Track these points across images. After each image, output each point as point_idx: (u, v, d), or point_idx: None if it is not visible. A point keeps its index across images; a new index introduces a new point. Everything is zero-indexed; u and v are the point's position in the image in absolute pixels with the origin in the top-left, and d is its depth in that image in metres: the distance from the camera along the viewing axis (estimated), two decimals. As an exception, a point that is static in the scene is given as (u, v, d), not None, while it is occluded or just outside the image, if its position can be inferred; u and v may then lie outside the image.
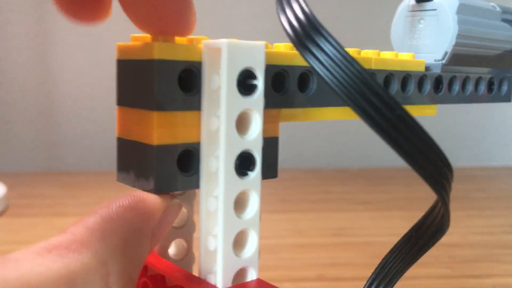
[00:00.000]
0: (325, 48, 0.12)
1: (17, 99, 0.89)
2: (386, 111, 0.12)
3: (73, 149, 0.90)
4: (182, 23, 0.16)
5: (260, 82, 0.16)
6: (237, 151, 0.16)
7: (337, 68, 0.12)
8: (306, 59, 0.13)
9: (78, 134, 0.90)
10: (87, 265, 0.12)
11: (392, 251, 0.18)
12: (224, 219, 0.16)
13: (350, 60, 0.12)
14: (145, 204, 0.15)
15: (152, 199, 0.16)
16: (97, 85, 0.86)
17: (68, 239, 0.13)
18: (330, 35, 0.12)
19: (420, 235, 0.17)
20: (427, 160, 0.13)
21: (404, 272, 0.18)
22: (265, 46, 0.16)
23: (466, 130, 1.03)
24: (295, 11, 0.13)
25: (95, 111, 0.87)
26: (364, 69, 0.12)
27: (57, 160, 0.90)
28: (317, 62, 0.12)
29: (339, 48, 0.12)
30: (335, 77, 0.12)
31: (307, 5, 0.13)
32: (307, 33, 0.13)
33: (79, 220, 0.14)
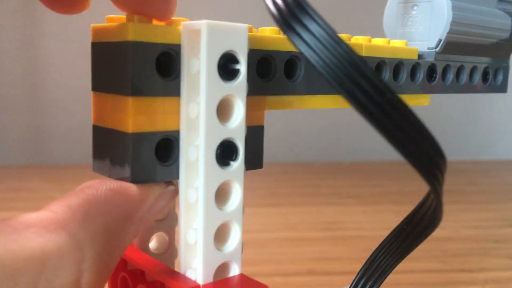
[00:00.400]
0: (311, 28, 0.12)
1: (5, 91, 0.87)
2: (376, 95, 0.11)
3: (62, 141, 0.89)
4: (163, 3, 0.15)
5: (242, 67, 0.15)
6: (218, 140, 0.15)
7: (323, 49, 0.11)
8: (290, 40, 0.12)
9: (67, 127, 0.88)
10: (62, 248, 0.12)
11: (382, 245, 0.17)
12: (205, 211, 0.15)
13: (338, 41, 0.11)
14: (136, 190, 0.15)
15: (145, 185, 0.15)
16: (85, 77, 0.84)
17: (48, 217, 0.12)
18: (317, 14, 0.11)
19: (411, 228, 0.16)
20: (419, 148, 0.12)
21: (394, 267, 0.18)
22: (248, 29, 0.15)
23: (458, 123, 1.03)
24: (279, -12, 0.12)
25: (83, 103, 0.86)
26: (353, 50, 0.11)
27: (45, 153, 0.89)
28: (302, 43, 0.12)
29: (326, 27, 0.11)
30: (321, 58, 0.11)
31: (291, -19, 0.12)
32: (292, 12, 0.12)
33: (63, 197, 0.13)
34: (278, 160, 0.90)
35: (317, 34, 0.11)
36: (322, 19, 0.12)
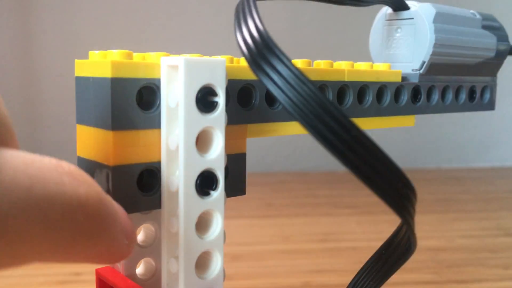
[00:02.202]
0: (278, 67, 0.12)
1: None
2: (341, 132, 0.12)
3: (56, 154, 0.89)
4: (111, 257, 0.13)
5: (221, 99, 0.15)
6: (198, 171, 0.15)
7: (290, 88, 0.12)
8: (259, 79, 0.12)
9: (62, 139, 0.89)
10: None
11: (362, 269, 0.18)
12: (185, 241, 0.15)
13: (303, 80, 0.12)
14: None
15: None
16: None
17: None
18: (283, 54, 0.12)
19: (389, 254, 0.17)
20: (386, 181, 0.12)
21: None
22: (228, 61, 0.16)
23: (451, 131, 1.03)
24: (250, 29, 0.13)
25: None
26: (317, 89, 0.12)
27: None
28: (270, 82, 0.12)
29: (292, 67, 0.12)
30: (288, 96, 0.12)
31: (262, 23, 0.12)
32: (261, 52, 0.12)
33: None
34: (273, 170, 0.90)
35: (284, 74, 0.12)
36: (289, 60, 0.12)
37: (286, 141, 0.94)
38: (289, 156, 0.95)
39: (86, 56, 0.17)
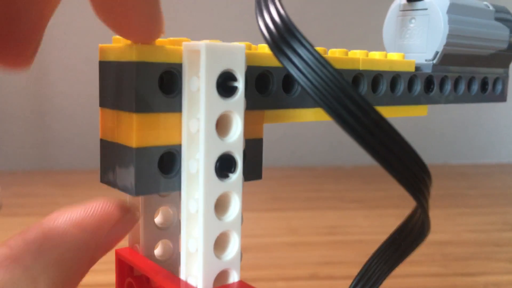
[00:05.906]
0: (299, 51, 0.12)
1: (10, 97, 0.89)
2: (361, 115, 0.12)
3: (66, 147, 0.90)
4: (149, 29, 0.15)
5: (240, 84, 0.16)
6: (217, 154, 0.16)
7: (311, 71, 0.12)
8: (281, 63, 0.13)
9: (71, 132, 0.89)
10: (16, 282, 0.12)
11: (376, 253, 0.18)
12: (205, 221, 0.16)
13: (324, 63, 0.12)
14: (93, 219, 0.15)
15: (103, 214, 0.15)
16: (89, 82, 0.86)
17: (3, 253, 0.13)
18: (305, 38, 0.12)
19: (402, 238, 0.17)
20: (404, 165, 0.13)
21: (389, 274, 0.18)
22: (246, 47, 0.16)
23: (458, 127, 1.03)
24: (272, 14, 0.13)
25: (88, 108, 0.87)
26: (338, 72, 0.12)
27: (50, 158, 0.90)
28: (292, 65, 0.12)
29: (313, 51, 0.12)
30: (309, 80, 0.12)
31: (283, 8, 0.13)
32: (282, 36, 0.13)
33: (22, 231, 0.14)
34: (280, 164, 0.90)
35: (305, 58, 0.12)
36: (310, 43, 0.12)
37: (293, 136, 0.95)
38: (296, 150, 0.95)
39: (97, 49, 0.17)
